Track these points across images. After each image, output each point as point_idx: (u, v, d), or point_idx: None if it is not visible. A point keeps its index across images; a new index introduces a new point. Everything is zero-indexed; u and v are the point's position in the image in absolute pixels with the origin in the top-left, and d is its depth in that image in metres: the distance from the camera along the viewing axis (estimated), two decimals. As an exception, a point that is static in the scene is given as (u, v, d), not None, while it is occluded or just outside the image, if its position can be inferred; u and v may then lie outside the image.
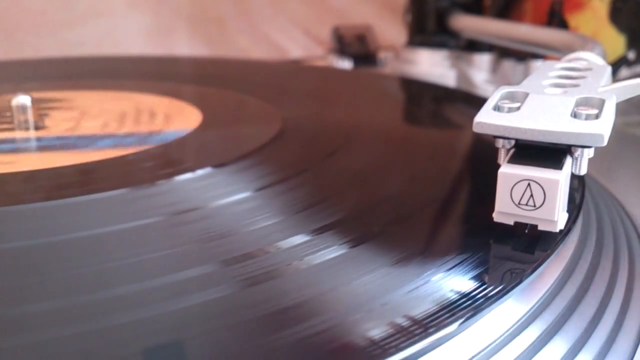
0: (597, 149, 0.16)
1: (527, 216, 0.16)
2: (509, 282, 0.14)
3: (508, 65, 0.47)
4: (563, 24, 0.42)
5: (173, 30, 0.66)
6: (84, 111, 0.31)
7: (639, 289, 0.18)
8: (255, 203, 0.19)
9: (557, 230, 0.16)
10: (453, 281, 0.14)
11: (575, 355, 0.14)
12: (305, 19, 0.69)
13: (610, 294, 0.17)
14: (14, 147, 0.25)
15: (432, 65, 0.48)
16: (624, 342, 0.15)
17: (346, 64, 0.53)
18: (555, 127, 0.15)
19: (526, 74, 0.42)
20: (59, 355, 0.11)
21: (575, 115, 0.16)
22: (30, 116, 0.27)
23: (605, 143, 0.15)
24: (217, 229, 0.17)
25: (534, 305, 0.15)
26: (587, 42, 0.25)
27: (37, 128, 0.28)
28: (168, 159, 0.24)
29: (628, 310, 0.16)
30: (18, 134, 0.27)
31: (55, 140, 0.26)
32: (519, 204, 0.16)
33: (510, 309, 0.14)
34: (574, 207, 0.18)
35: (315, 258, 0.15)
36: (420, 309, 0.13)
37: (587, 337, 0.15)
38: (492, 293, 0.13)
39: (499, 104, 0.17)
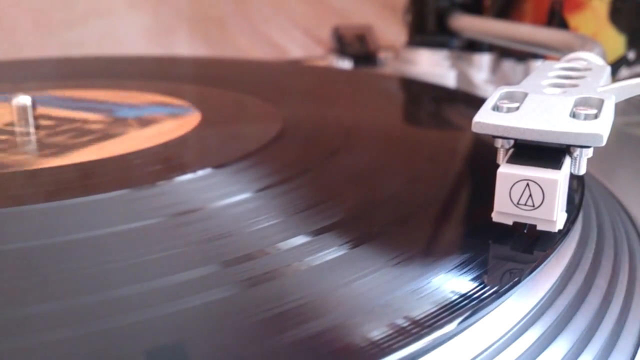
0: (596, 149, 0.16)
1: (526, 216, 0.16)
2: (508, 282, 0.14)
3: (508, 65, 0.47)
4: (563, 24, 0.42)
5: (173, 30, 0.66)
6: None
7: None
8: (255, 204, 0.19)
9: (556, 230, 0.16)
10: (452, 282, 0.14)
11: (578, 355, 0.14)
12: (305, 19, 0.69)
13: (612, 294, 0.17)
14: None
15: (432, 65, 0.48)
16: (626, 342, 0.15)
17: (346, 64, 0.53)
18: (554, 127, 0.15)
19: (526, 74, 0.42)
20: (60, 356, 0.11)
21: (574, 115, 0.16)
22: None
23: (604, 143, 0.15)
24: (218, 230, 0.17)
25: (534, 306, 0.15)
26: (586, 42, 0.25)
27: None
28: (168, 159, 0.24)
29: (629, 310, 0.16)
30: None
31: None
32: (517, 204, 0.16)
33: (510, 309, 0.14)
34: (574, 207, 0.18)
35: (316, 259, 0.15)
36: (420, 310, 0.13)
37: (589, 338, 0.15)
38: (491, 293, 0.13)
39: (498, 104, 0.17)
